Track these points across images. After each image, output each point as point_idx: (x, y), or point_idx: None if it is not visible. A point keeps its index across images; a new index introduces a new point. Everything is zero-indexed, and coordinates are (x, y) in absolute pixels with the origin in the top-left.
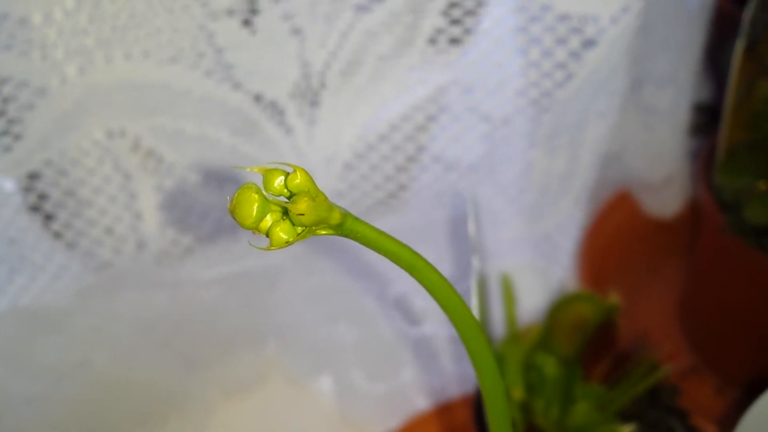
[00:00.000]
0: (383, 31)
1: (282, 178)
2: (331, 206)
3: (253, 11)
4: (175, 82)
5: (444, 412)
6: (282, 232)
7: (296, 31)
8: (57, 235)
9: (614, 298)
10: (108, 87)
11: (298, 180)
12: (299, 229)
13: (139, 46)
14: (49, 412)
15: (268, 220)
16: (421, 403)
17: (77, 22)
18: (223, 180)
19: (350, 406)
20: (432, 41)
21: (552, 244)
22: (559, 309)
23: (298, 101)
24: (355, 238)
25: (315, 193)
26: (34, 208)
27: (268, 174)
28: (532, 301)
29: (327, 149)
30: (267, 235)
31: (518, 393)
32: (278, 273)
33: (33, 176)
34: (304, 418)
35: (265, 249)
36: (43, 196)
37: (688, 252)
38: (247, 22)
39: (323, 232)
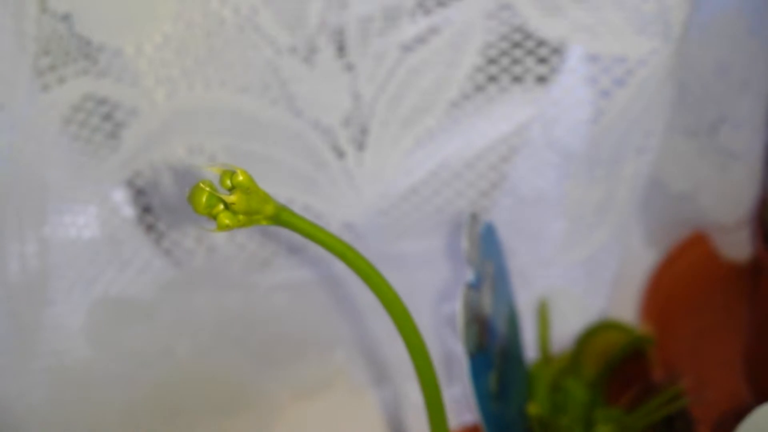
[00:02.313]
0: (425, 68)
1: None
2: (266, 199)
3: (313, 50)
4: (246, 109)
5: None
6: (225, 219)
7: (349, 67)
8: (147, 231)
9: (646, 329)
10: (190, 110)
11: (240, 178)
12: (242, 218)
13: (217, 76)
14: (134, 393)
15: (220, 208)
16: (468, 417)
17: (164, 55)
18: (285, 201)
19: (406, 417)
20: (471, 78)
21: (589, 273)
22: (590, 335)
23: (349, 128)
24: (291, 229)
25: (252, 189)
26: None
27: (222, 173)
28: (569, 327)
29: (374, 172)
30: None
31: (534, 409)
32: (344, 284)
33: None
34: (364, 425)
35: (212, 230)
36: (141, 193)
37: (752, 296)
38: (307, 59)
39: (264, 222)
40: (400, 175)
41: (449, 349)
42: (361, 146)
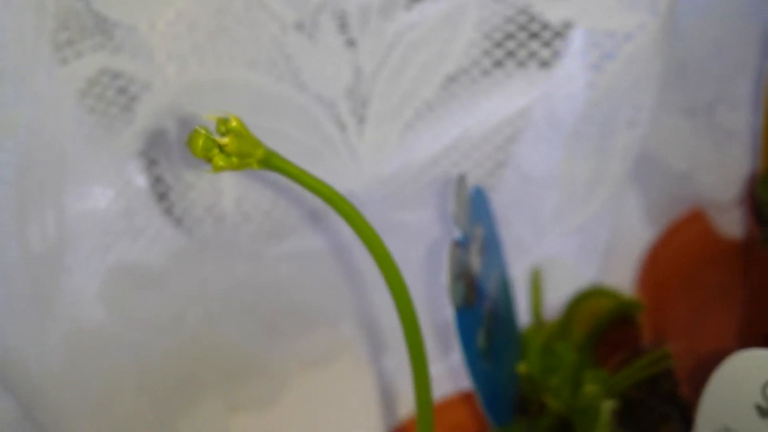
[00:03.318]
0: (423, 44)
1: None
2: (257, 144)
3: (316, 26)
4: (254, 83)
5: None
6: (220, 161)
7: (350, 43)
8: (159, 200)
9: (635, 295)
10: (200, 85)
11: (233, 124)
12: (235, 160)
13: (226, 52)
14: (147, 359)
15: (215, 152)
16: (465, 383)
17: (177, 31)
18: None
19: (407, 386)
20: (467, 53)
21: (581, 244)
22: (580, 300)
23: (351, 102)
24: (281, 173)
25: (244, 134)
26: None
27: (217, 120)
28: (562, 295)
29: (375, 144)
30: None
31: (524, 368)
32: (350, 257)
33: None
34: (368, 395)
35: (209, 172)
36: (153, 162)
37: (744, 272)
38: (311, 35)
39: (255, 165)
40: (401, 148)
41: (445, 319)
42: (362, 119)
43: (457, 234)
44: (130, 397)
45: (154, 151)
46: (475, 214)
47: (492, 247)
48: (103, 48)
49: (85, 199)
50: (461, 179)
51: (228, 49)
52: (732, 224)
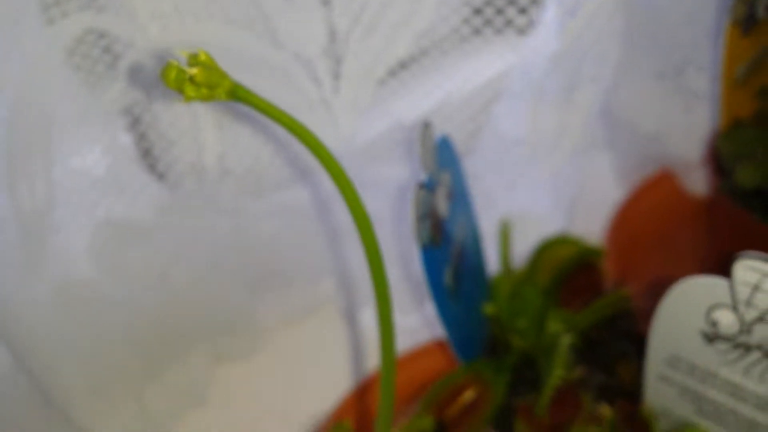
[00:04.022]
0: (394, 2)
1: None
2: (224, 76)
3: None
4: (233, 42)
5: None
6: (190, 91)
7: (325, 2)
8: (143, 157)
9: (597, 242)
10: (182, 44)
11: (202, 57)
12: (204, 90)
13: (206, 12)
14: (135, 314)
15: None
16: (441, 332)
17: None
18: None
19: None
20: (438, 12)
21: (549, 197)
22: (546, 248)
23: (327, 60)
24: (248, 104)
25: (213, 66)
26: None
27: (189, 55)
28: (530, 246)
29: (349, 99)
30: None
31: (491, 308)
32: (330, 211)
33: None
34: (346, 346)
35: (181, 102)
36: (137, 119)
37: (709, 230)
38: None
39: (224, 97)
40: (377, 107)
41: (419, 274)
42: (337, 76)
43: (422, 176)
44: (118, 350)
45: (137, 108)
46: (442, 161)
47: (460, 196)
48: (89, 8)
49: (72, 155)
50: (426, 125)
51: (208, 9)
52: (699, 183)
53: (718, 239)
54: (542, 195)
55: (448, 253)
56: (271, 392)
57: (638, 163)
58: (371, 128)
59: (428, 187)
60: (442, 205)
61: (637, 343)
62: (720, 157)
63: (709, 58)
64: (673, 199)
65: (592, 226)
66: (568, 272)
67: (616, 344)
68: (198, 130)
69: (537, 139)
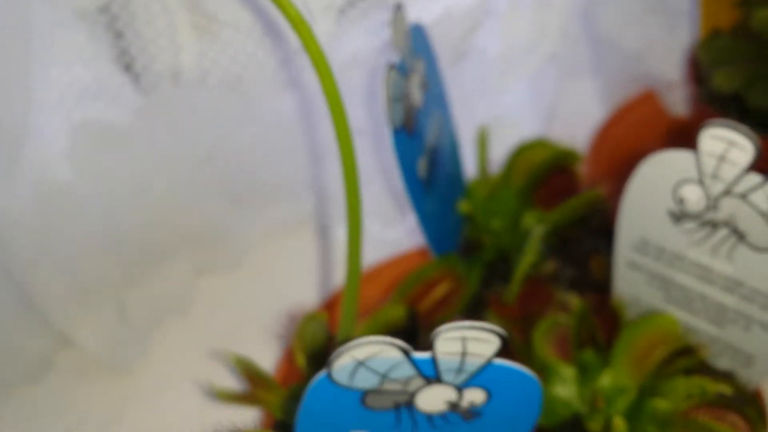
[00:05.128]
0: None
1: None
2: None
3: None
4: None
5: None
6: None
7: None
8: (119, 57)
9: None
10: None
11: None
12: None
13: None
14: (114, 222)
15: None
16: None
17: None
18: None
19: (367, 250)
20: None
21: (527, 102)
22: (521, 151)
23: None
24: None
25: None
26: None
27: None
28: (506, 151)
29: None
30: None
31: (465, 206)
32: (312, 123)
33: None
34: (327, 260)
35: None
36: (115, 18)
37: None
38: None
39: None
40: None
41: (398, 186)
42: None
43: (394, 58)
44: (98, 256)
45: (115, 6)
46: (416, 48)
47: (436, 94)
48: None
49: (49, 58)
50: (398, 6)
51: None
52: (681, 103)
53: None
54: (520, 99)
55: (422, 144)
56: (250, 303)
57: (620, 82)
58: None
59: (400, 70)
60: (416, 93)
61: (609, 239)
62: (699, 66)
63: None
64: (654, 118)
65: (571, 136)
66: (544, 175)
67: (589, 241)
68: (175, 30)
69: (515, 42)
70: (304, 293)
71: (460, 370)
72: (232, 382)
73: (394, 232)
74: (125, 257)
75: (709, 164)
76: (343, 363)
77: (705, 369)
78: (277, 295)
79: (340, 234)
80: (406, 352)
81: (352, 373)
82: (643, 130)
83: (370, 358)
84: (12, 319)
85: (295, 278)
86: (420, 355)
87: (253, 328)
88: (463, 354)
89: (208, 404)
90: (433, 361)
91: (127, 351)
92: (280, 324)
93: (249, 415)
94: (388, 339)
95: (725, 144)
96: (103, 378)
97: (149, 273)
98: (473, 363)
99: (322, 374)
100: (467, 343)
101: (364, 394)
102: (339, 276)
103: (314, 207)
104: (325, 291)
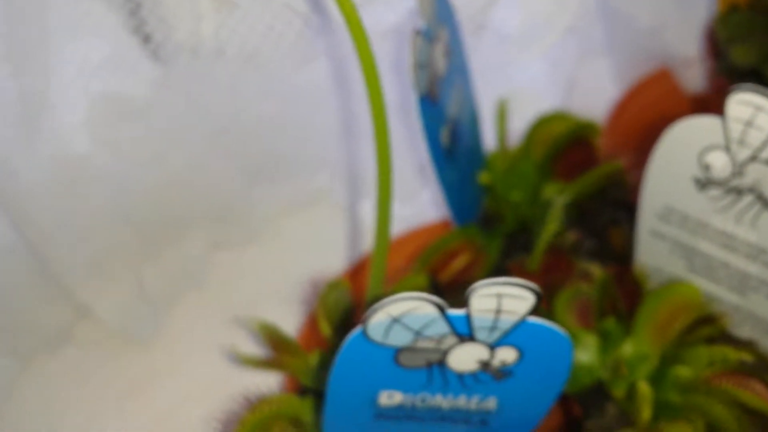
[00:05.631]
0: None
1: None
2: None
3: None
4: None
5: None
6: None
7: None
8: (138, 28)
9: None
10: None
11: None
12: None
13: None
14: (131, 193)
15: None
16: (435, 216)
17: None
18: None
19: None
20: None
21: (546, 73)
22: (540, 123)
23: None
24: None
25: None
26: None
27: None
28: (526, 124)
29: None
30: None
31: (486, 177)
32: (330, 95)
33: None
34: (342, 235)
35: None
36: None
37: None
38: None
39: None
40: None
41: (422, 159)
42: None
43: (420, 24)
44: (116, 227)
45: None
46: (440, 15)
47: (458, 65)
48: None
49: (67, 31)
50: None
51: None
52: (697, 80)
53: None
54: (539, 73)
55: (445, 113)
56: (267, 277)
57: (636, 60)
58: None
59: (426, 36)
60: (440, 62)
61: (628, 212)
62: (716, 41)
63: None
64: (669, 97)
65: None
66: (563, 147)
67: (608, 213)
68: (194, 2)
69: (533, 15)
70: (321, 267)
71: (493, 327)
72: (251, 352)
73: (408, 208)
74: (142, 229)
75: (735, 130)
76: (378, 319)
77: (726, 338)
78: (294, 269)
79: (357, 209)
80: (441, 309)
81: (387, 330)
82: (658, 108)
83: (405, 314)
84: (30, 290)
85: (311, 253)
86: (455, 312)
87: (270, 301)
88: (498, 311)
89: (226, 374)
90: (468, 318)
91: (145, 323)
92: (300, 292)
93: (269, 382)
94: (424, 295)
95: (752, 109)
96: (121, 349)
97: (166, 246)
98: (507, 321)
99: (356, 331)
100: (502, 300)
101: (397, 352)
102: (356, 250)
103: (333, 183)
104: (342, 265)
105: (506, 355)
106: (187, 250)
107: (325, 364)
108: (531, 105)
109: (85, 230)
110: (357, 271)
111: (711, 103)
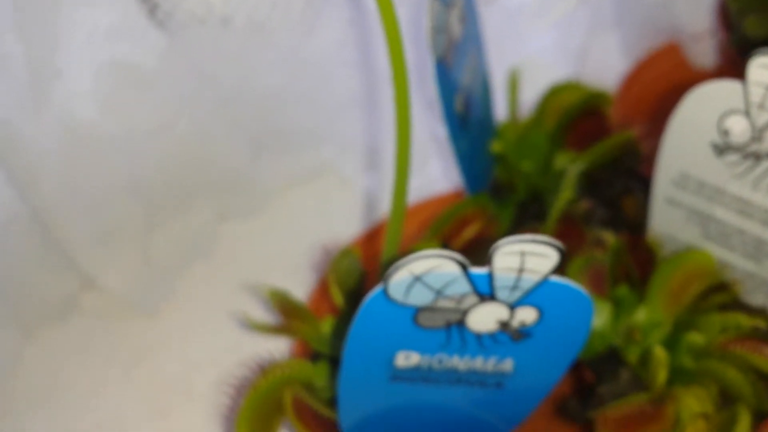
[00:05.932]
0: None
1: None
2: None
3: None
4: None
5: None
6: None
7: None
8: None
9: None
10: None
11: None
12: None
13: None
14: (138, 162)
15: None
16: (443, 187)
17: None
18: None
19: (384, 201)
20: None
21: (557, 43)
22: (552, 93)
23: None
24: None
25: None
26: None
27: None
28: (538, 95)
29: None
30: None
31: (498, 146)
32: (336, 67)
33: None
34: (348, 206)
35: None
36: None
37: None
38: None
39: None
40: None
41: (433, 131)
42: None
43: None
44: (121, 198)
45: None
46: None
47: (471, 24)
48: None
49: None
50: None
51: None
52: (706, 55)
53: None
54: (550, 44)
55: (459, 80)
56: (275, 248)
57: (645, 34)
58: None
59: (443, 1)
60: (456, 27)
61: (641, 181)
62: (728, 13)
63: None
64: (678, 72)
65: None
66: (575, 117)
67: (620, 182)
68: None
69: None
70: (327, 238)
71: (515, 287)
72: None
73: (418, 179)
74: (148, 199)
75: (756, 94)
76: (399, 278)
77: (739, 305)
78: (300, 240)
79: (362, 182)
80: (464, 267)
81: (408, 289)
82: (667, 82)
83: (426, 272)
84: (37, 259)
85: (318, 224)
86: (477, 270)
87: (277, 271)
88: (521, 270)
89: (235, 342)
90: (490, 276)
91: (152, 293)
92: (307, 261)
93: (280, 349)
94: (447, 252)
95: None
96: (127, 320)
97: (172, 216)
98: (529, 279)
99: (377, 290)
100: (525, 258)
101: (416, 312)
102: (363, 221)
103: (339, 153)
104: (348, 236)
105: (526, 315)
106: (193, 220)
107: (338, 330)
108: (542, 75)
109: (91, 199)
110: (365, 241)
111: (724, 74)
